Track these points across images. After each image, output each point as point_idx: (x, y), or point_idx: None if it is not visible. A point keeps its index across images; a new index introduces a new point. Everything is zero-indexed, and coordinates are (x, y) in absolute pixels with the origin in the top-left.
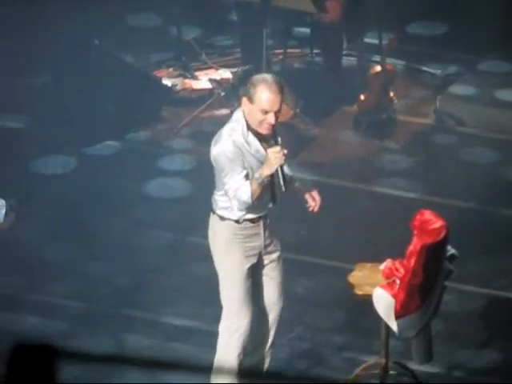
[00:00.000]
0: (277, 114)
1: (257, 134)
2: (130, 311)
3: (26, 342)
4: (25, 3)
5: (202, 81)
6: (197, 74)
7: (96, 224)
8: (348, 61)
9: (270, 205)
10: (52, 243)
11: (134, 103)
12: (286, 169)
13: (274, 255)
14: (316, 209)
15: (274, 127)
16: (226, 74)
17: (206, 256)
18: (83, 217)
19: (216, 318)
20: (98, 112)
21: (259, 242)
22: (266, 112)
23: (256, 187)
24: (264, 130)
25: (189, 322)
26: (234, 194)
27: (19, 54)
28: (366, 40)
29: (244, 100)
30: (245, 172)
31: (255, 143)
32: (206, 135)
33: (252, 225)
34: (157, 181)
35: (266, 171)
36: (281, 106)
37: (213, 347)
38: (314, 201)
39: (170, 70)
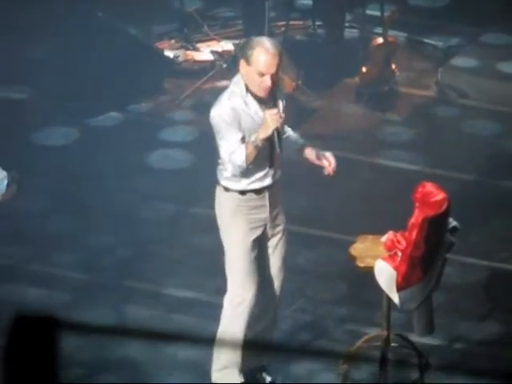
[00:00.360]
0: (273, 76)
1: (256, 97)
2: (131, 282)
3: (26, 313)
4: None
5: (204, 52)
6: (199, 45)
7: (98, 195)
8: (350, 33)
9: (274, 173)
10: (54, 215)
11: (136, 75)
12: (295, 135)
13: (279, 228)
14: (331, 172)
15: (271, 90)
16: (227, 45)
17: (209, 227)
18: (85, 188)
19: (218, 290)
20: (100, 84)
21: (265, 214)
22: (262, 74)
23: (251, 150)
24: (261, 92)
25: (191, 294)
26: (228, 157)
27: (21, 26)
28: (368, 12)
29: (242, 62)
30: (241, 135)
31: (254, 105)
32: (207, 107)
33: (257, 196)
34: (159, 152)
35: (262, 133)
36: (278, 69)
37: (215, 319)
38: (329, 164)
39: (172, 41)
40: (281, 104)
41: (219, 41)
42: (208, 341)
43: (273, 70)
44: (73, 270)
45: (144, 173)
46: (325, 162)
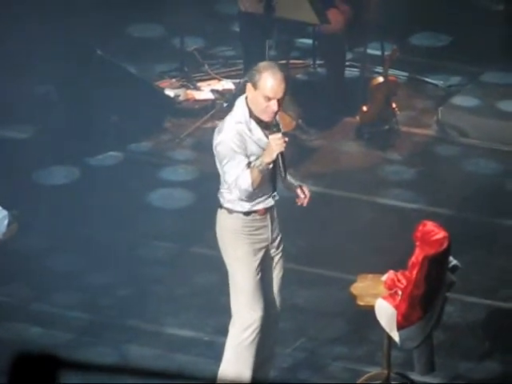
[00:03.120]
0: (280, 101)
1: (259, 122)
2: (132, 322)
3: (28, 352)
4: (27, 13)
5: (205, 91)
6: (199, 84)
7: (99, 235)
8: (350, 72)
9: (274, 195)
10: (55, 254)
11: (136, 114)
12: None
13: (279, 249)
14: (305, 203)
15: (275, 115)
16: (228, 84)
17: (209, 267)
18: (86, 227)
19: (219, 329)
20: (101, 122)
21: (266, 234)
22: (269, 99)
23: (256, 175)
24: (266, 117)
25: (192, 333)
26: (234, 182)
27: (22, 65)
28: (369, 51)
29: (248, 86)
30: (246, 161)
31: (257, 130)
32: (208, 146)
33: (260, 217)
34: (159, 191)
35: (267, 158)
36: (284, 94)
37: (216, 358)
38: (303, 195)
39: (173, 80)
40: (282, 129)
41: (220, 80)
42: (209, 380)
43: (280, 94)
44: (74, 309)
45: (144, 212)
46: (299, 192)
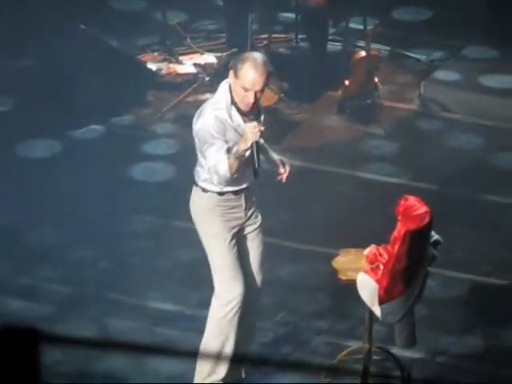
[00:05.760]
0: (257, 93)
1: (239, 109)
2: (114, 295)
3: (9, 325)
4: None
5: (187, 65)
6: (181, 58)
7: (80, 208)
8: (333, 46)
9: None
10: (36, 227)
11: (118, 87)
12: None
13: (255, 225)
14: (284, 178)
15: (254, 105)
16: (210, 58)
17: (191, 240)
18: (67, 201)
19: (201, 303)
20: (83, 96)
21: (241, 213)
22: (246, 90)
23: (233, 161)
24: (243, 106)
25: (174, 307)
26: (213, 168)
27: (4, 37)
28: (351, 25)
29: (231, 73)
30: (225, 146)
31: (237, 118)
32: (190, 120)
33: (234, 197)
34: (141, 165)
35: (242, 145)
36: (263, 87)
37: (198, 331)
38: (284, 170)
39: (155, 54)
40: (262, 117)
41: (202, 53)
42: (191, 353)
43: (258, 87)
44: (55, 282)
45: (126, 185)
46: (280, 169)
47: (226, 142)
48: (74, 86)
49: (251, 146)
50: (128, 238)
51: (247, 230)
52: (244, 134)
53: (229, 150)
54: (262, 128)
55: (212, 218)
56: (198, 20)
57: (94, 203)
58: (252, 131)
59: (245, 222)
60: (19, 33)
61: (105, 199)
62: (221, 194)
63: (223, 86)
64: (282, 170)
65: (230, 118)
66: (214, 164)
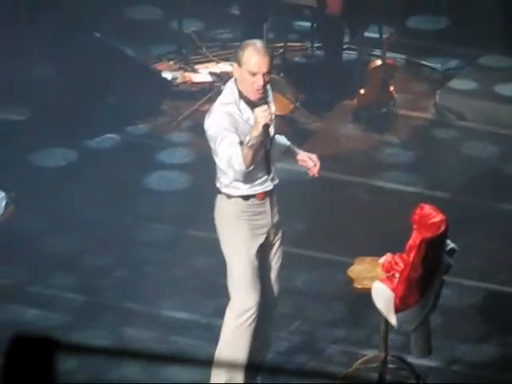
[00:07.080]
0: (265, 76)
1: (249, 102)
2: (129, 304)
3: (25, 334)
4: None
5: (202, 74)
6: (197, 67)
7: (96, 217)
8: (348, 55)
9: (272, 177)
10: (52, 236)
11: (134, 96)
12: (283, 139)
13: (279, 235)
14: (315, 172)
15: (263, 92)
16: (226, 67)
17: (206, 249)
18: (83, 210)
19: (217, 312)
20: (99, 105)
21: (266, 219)
22: (253, 74)
23: (247, 151)
24: (254, 94)
25: (189, 315)
26: (227, 163)
27: (21, 47)
28: (367, 34)
29: (234, 66)
30: (238, 140)
31: (247, 110)
32: None
33: (259, 202)
34: (156, 174)
35: (254, 132)
36: (269, 68)
37: (213, 340)
38: (313, 163)
39: (171, 63)
40: (272, 107)
41: (218, 62)
42: (206, 362)
43: (264, 68)
44: (71, 291)
45: (141, 194)
46: (310, 163)
47: (238, 135)
48: (90, 95)
49: (263, 133)
50: (143, 246)
51: (271, 239)
52: (254, 119)
53: (241, 144)
54: (273, 110)
55: (238, 225)
56: (214, 29)
57: (110, 212)
58: (262, 114)
59: (270, 229)
60: (34, 42)
61: (120, 208)
62: (246, 198)
63: (229, 85)
64: (311, 164)
65: (240, 111)
66: (228, 158)
